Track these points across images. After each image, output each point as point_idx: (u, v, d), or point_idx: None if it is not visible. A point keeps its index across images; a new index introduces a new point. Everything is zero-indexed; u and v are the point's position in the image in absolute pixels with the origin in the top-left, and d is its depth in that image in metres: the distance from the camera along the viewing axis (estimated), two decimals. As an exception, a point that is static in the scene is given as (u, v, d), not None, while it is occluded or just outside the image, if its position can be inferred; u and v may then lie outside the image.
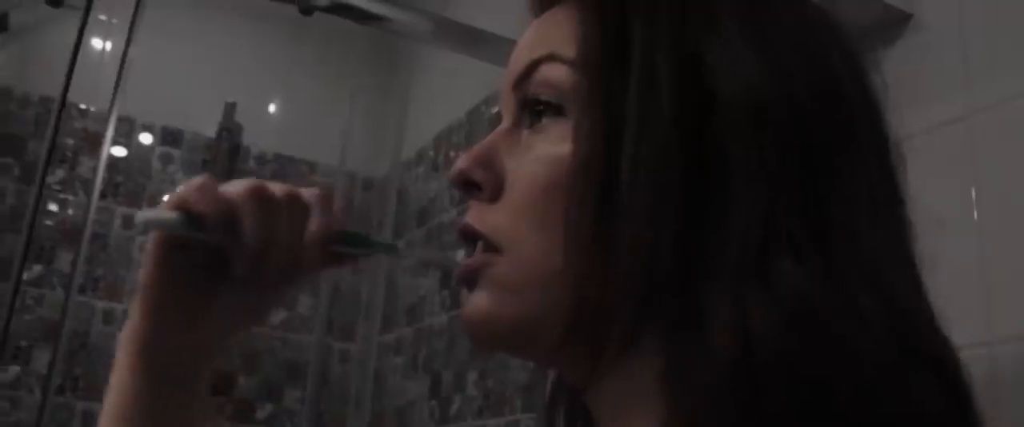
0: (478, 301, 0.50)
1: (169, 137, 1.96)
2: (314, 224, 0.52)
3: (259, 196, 0.52)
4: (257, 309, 0.56)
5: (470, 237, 0.51)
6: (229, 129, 2.00)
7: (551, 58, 0.51)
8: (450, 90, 1.84)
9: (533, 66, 0.51)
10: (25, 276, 1.65)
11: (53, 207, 1.77)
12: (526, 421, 1.49)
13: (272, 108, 2.15)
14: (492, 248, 0.50)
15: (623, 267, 0.46)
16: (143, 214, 0.51)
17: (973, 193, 0.84)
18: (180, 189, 0.52)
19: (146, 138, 1.93)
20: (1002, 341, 0.77)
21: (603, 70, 0.49)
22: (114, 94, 1.52)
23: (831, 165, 0.48)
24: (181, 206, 0.51)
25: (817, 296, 0.44)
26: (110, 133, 1.59)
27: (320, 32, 1.38)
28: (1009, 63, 0.84)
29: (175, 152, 1.96)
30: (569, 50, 0.50)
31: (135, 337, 0.53)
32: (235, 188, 0.51)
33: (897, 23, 0.96)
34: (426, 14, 1.47)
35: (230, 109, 1.99)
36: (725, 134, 0.47)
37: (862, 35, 1.03)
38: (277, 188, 0.53)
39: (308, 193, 0.53)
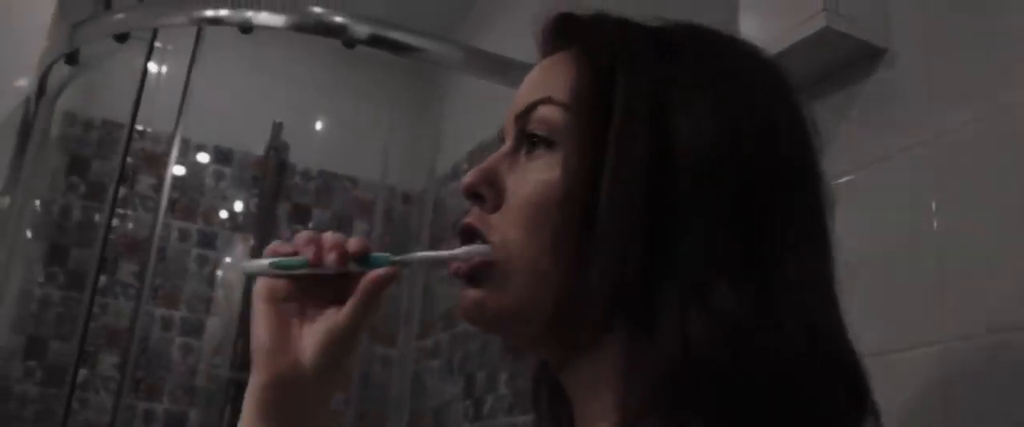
0: (471, 295, 0.57)
1: (221, 156, 2.03)
2: (351, 244, 0.59)
3: (315, 237, 0.59)
4: (342, 333, 0.58)
5: (469, 234, 0.58)
6: (276, 147, 2.08)
7: (548, 101, 0.58)
8: (482, 109, 1.90)
9: (533, 105, 0.59)
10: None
11: (114, 222, 1.84)
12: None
13: (317, 128, 2.20)
14: (485, 243, 0.58)
15: (595, 276, 0.53)
16: (250, 262, 0.58)
17: (933, 205, 0.89)
18: (268, 248, 0.58)
19: (203, 157, 2.00)
20: (955, 339, 0.82)
21: (589, 116, 0.56)
22: (177, 118, 1.61)
23: (767, 209, 0.55)
24: (274, 255, 0.58)
25: (745, 314, 0.51)
26: (174, 153, 1.68)
27: (362, 58, 1.45)
28: (968, 93, 0.88)
29: (226, 170, 2.03)
30: (563, 94, 0.57)
31: (259, 389, 0.57)
32: (300, 237, 0.58)
33: (872, 57, 0.99)
34: (458, 45, 1.56)
35: (277, 129, 2.07)
36: (682, 179, 0.54)
37: (841, 67, 1.05)
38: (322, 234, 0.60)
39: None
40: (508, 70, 1.35)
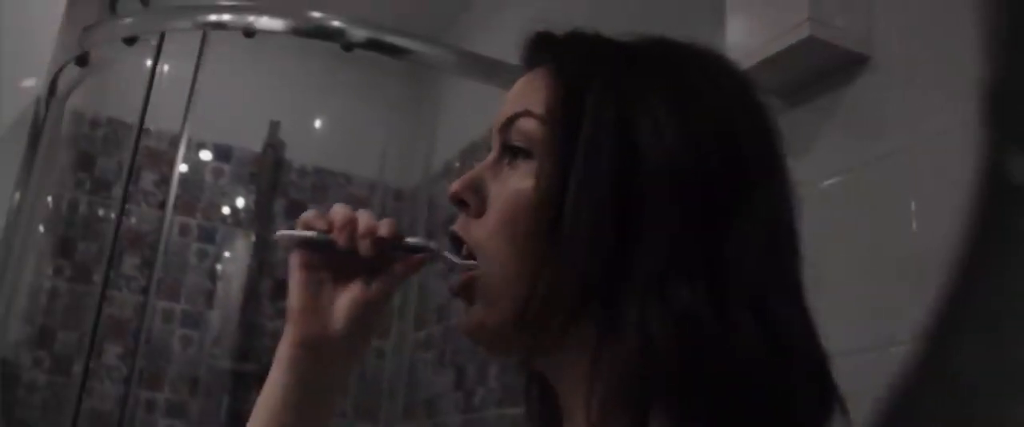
0: (475, 316, 0.59)
1: (220, 153, 2.07)
2: (383, 229, 0.61)
3: (350, 218, 0.61)
4: (369, 304, 0.62)
5: (455, 241, 0.61)
6: (273, 145, 2.13)
7: (527, 114, 0.60)
8: (473, 110, 1.94)
9: (514, 118, 0.61)
10: (96, 278, 1.79)
11: (115, 216, 1.89)
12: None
13: (313, 127, 2.24)
14: (471, 254, 0.60)
15: (562, 277, 0.56)
16: (285, 233, 0.60)
17: (912, 206, 0.93)
18: (302, 217, 0.61)
19: (205, 155, 2.04)
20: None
21: (561, 128, 0.58)
22: (184, 118, 1.66)
23: (727, 211, 0.57)
24: (308, 227, 0.61)
25: (702, 311, 0.54)
26: (181, 152, 1.74)
27: (359, 60, 1.49)
28: (947, 100, 0.91)
29: (225, 167, 2.07)
30: (540, 108, 0.60)
31: (289, 345, 0.62)
32: (337, 214, 0.61)
33: (856, 64, 1.03)
34: (450, 48, 1.62)
35: (274, 127, 2.11)
36: (646, 188, 0.56)
37: (825, 74, 1.07)
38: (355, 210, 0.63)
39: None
40: (499, 72, 1.39)
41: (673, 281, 0.55)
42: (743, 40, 1.11)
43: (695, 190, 0.57)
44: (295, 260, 0.61)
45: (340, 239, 0.59)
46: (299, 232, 0.60)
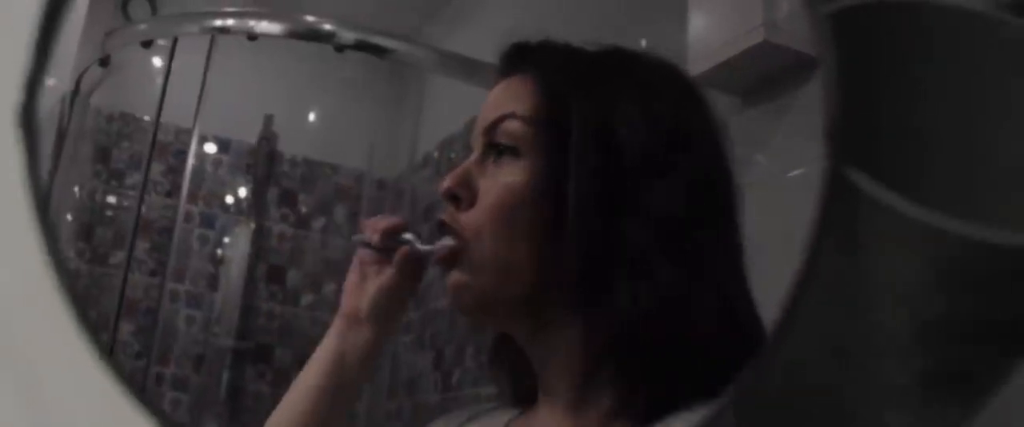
0: (454, 278, 0.64)
1: (220, 145, 2.20)
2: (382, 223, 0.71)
3: (375, 222, 0.73)
4: (398, 306, 0.72)
5: (444, 229, 0.66)
6: (267, 138, 2.28)
7: (512, 116, 0.65)
8: (450, 105, 2.06)
9: (499, 120, 0.65)
10: (112, 261, 1.94)
11: (125, 203, 2.04)
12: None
13: (305, 121, 2.37)
14: (460, 238, 0.64)
15: (565, 262, 0.61)
16: (354, 237, 0.73)
17: None
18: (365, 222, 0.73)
19: (209, 147, 2.18)
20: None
21: (551, 131, 0.63)
22: (196, 114, 1.82)
23: (694, 201, 0.62)
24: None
25: (674, 290, 0.59)
26: (193, 146, 1.89)
27: (349, 59, 1.62)
28: None
29: (224, 158, 2.21)
30: (524, 110, 0.64)
31: (337, 317, 0.71)
32: (387, 221, 0.71)
33: (809, 66, 1.01)
34: (432, 49, 1.77)
35: (268, 120, 2.26)
36: (626, 181, 0.61)
37: (780, 76, 1.09)
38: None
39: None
40: (475, 70, 1.48)
41: (655, 262, 0.60)
42: (703, 44, 1.16)
43: (665, 180, 0.62)
44: (355, 256, 0.74)
45: (371, 239, 0.72)
46: (358, 236, 0.74)
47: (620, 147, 0.61)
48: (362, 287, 0.73)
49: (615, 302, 0.59)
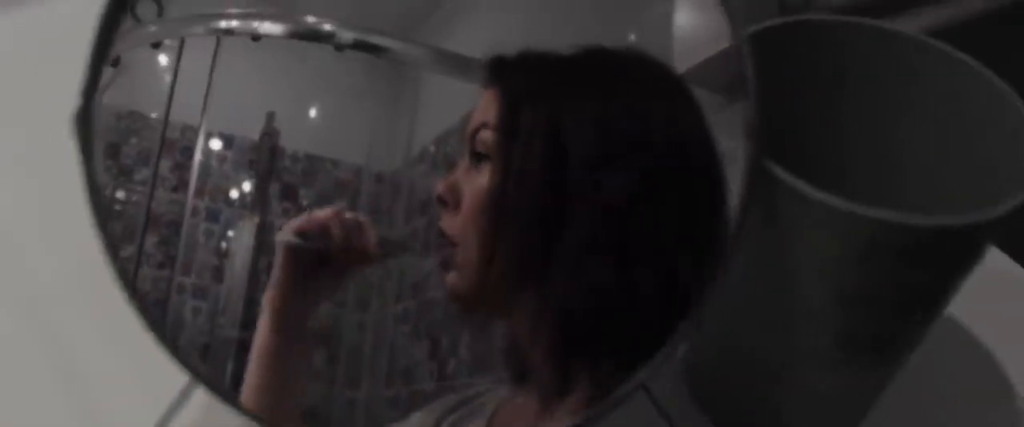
0: (450, 279, 0.73)
1: (225, 141, 2.20)
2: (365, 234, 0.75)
3: (339, 216, 0.80)
4: (333, 288, 0.77)
5: (442, 234, 0.74)
6: (269, 134, 2.33)
7: (485, 126, 0.73)
8: (446, 102, 1.99)
9: (478, 129, 0.74)
10: (122, 254, 1.98)
11: (134, 198, 2.13)
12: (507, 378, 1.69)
13: (306, 117, 2.40)
14: (452, 242, 0.72)
15: (509, 252, 0.68)
16: (281, 235, 0.76)
17: None
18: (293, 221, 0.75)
19: (215, 144, 2.24)
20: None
21: (504, 138, 0.71)
22: (202, 112, 1.88)
23: (646, 199, 0.67)
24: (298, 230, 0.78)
25: (614, 273, 0.65)
26: (201, 142, 1.95)
27: (348, 58, 1.71)
28: None
29: (229, 154, 2.29)
30: (492, 119, 0.72)
31: (273, 304, 0.77)
32: (324, 213, 0.76)
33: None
34: (428, 47, 1.84)
35: (270, 117, 2.31)
36: (572, 180, 0.68)
37: (723, 89, 1.06)
38: (345, 213, 0.76)
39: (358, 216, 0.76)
40: (470, 69, 1.44)
41: (594, 254, 0.66)
42: (688, 43, 1.11)
43: (607, 179, 0.68)
44: None
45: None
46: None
47: (566, 145, 0.68)
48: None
49: (554, 294, 0.67)
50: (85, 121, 0.68)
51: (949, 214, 0.58)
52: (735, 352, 0.76)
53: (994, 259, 0.88)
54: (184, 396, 0.80)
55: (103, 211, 0.65)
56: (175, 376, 0.78)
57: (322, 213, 0.81)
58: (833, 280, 0.64)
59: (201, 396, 0.86)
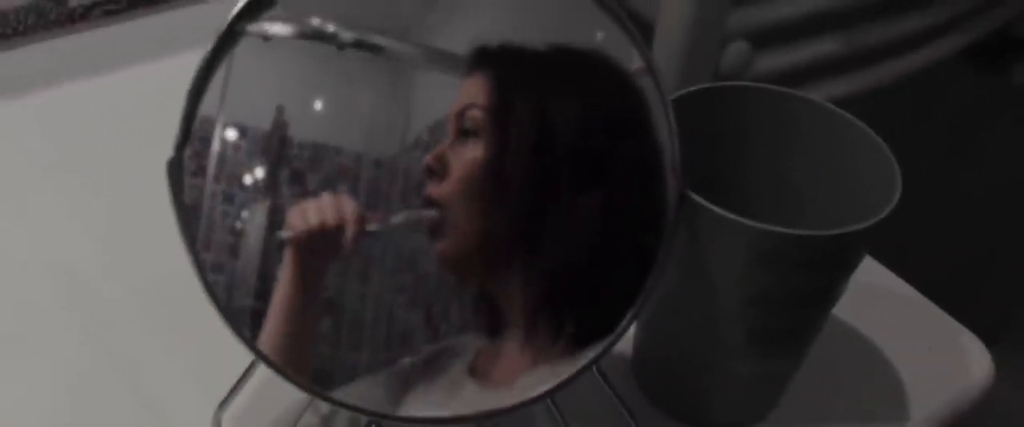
0: (439, 246, 0.73)
1: (240, 132, 2.39)
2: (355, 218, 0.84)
3: (335, 203, 0.87)
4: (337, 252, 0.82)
5: (428, 202, 0.74)
6: (279, 125, 2.46)
7: (474, 106, 0.74)
8: (437, 94, 2.04)
9: (464, 109, 0.75)
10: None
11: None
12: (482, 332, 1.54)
13: (311, 108, 2.49)
14: (439, 207, 0.73)
15: (503, 219, 0.70)
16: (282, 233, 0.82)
17: None
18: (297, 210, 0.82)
19: (231, 134, 2.38)
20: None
21: (500, 115, 0.72)
22: (220, 105, 2.00)
23: (618, 182, 0.70)
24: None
25: (593, 246, 0.68)
26: (217, 132, 2.09)
27: (349, 56, 1.73)
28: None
29: (242, 143, 2.40)
30: (481, 100, 0.74)
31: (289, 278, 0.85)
32: (322, 201, 0.84)
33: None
34: (421, 46, 1.95)
35: (280, 110, 2.41)
36: (553, 157, 0.70)
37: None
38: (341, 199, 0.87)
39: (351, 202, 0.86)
40: (458, 65, 1.54)
41: (575, 228, 0.70)
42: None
43: (593, 157, 0.71)
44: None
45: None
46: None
47: (554, 128, 0.72)
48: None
49: (540, 260, 0.70)
50: (177, 169, 0.86)
51: (834, 227, 0.69)
52: (671, 347, 0.84)
53: (866, 263, 1.01)
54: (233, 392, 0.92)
55: (195, 246, 0.84)
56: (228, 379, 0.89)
57: (308, 209, 0.92)
58: (745, 285, 0.73)
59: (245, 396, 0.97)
